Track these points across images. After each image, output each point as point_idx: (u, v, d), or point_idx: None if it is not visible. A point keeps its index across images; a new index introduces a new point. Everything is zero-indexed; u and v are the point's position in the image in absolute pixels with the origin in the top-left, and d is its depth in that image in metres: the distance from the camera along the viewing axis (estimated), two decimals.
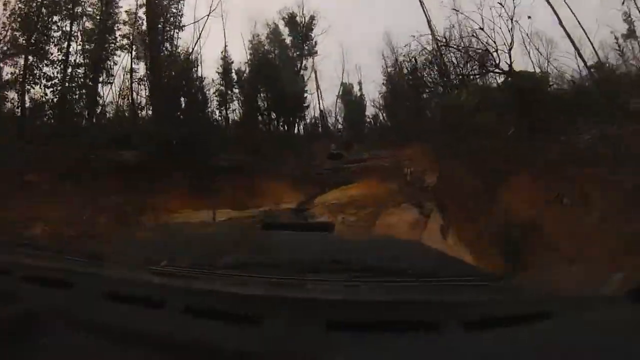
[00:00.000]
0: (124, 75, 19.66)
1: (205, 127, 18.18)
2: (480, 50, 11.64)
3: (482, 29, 11.43)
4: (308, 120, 30.32)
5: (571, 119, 9.41)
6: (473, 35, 11.61)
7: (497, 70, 11.42)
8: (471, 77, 13.93)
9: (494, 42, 11.19)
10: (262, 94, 25.57)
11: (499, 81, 13.49)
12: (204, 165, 15.51)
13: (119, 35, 19.46)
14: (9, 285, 1.09)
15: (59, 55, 17.17)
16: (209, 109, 23.14)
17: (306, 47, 28.50)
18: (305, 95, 28.46)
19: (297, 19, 28.14)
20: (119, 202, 11.94)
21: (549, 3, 13.65)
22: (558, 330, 0.94)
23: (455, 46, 12.89)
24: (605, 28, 16.96)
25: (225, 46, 25.92)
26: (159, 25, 19.82)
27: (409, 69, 19.33)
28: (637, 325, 0.99)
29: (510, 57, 11.07)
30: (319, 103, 31.00)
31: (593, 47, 15.86)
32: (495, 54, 11.23)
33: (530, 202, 8.06)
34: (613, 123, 8.41)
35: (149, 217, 11.72)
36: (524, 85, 10.62)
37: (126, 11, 19.77)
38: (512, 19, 11.35)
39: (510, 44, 10.96)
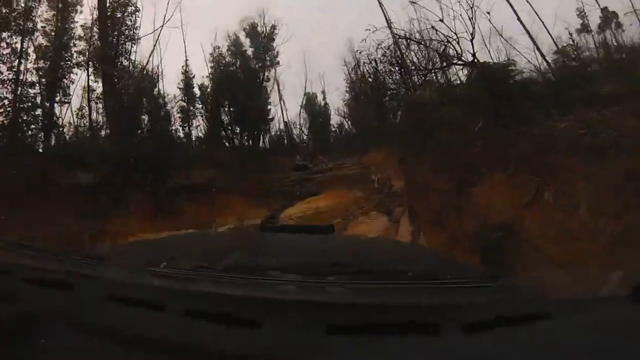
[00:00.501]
0: (82, 94, 18.29)
1: (165, 145, 16.98)
2: (441, 42, 10.63)
3: (442, 20, 10.43)
4: (273, 133, 29.16)
5: (542, 108, 8.44)
6: (433, 28, 10.58)
7: (459, 62, 10.46)
8: (433, 71, 12.95)
9: (455, 33, 10.20)
10: (225, 108, 24.33)
11: (463, 74, 12.55)
12: (164, 184, 14.23)
13: (75, 51, 18.12)
14: (9, 287, 1.04)
15: (8, 74, 15.66)
16: (172, 126, 22.12)
17: (268, 58, 27.71)
18: (269, 107, 27.55)
19: (258, 29, 27.23)
20: (72, 227, 10.90)
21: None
22: (557, 330, 0.91)
23: (415, 39, 11.86)
24: (561, 23, 16.43)
25: (186, 60, 24.94)
26: (113, 39, 18.02)
27: (369, 70, 17.63)
28: (636, 325, 0.95)
29: (473, 47, 10.13)
30: (283, 114, 30.04)
31: (554, 41, 15.21)
32: (456, 46, 10.23)
33: (508, 200, 7.12)
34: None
35: (104, 242, 10.52)
36: (489, 74, 9.65)
37: (81, 26, 18.41)
38: (472, 7, 10.38)
39: (472, 33, 10.03)
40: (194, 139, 24.67)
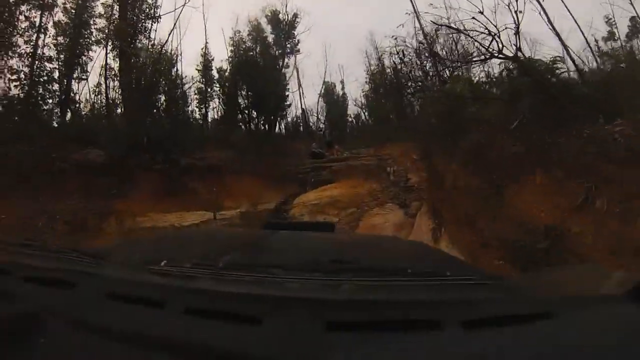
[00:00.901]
0: (99, 72, 17.50)
1: (179, 125, 16.20)
2: (482, 33, 9.61)
3: (482, 12, 9.41)
4: (290, 120, 28.34)
5: (590, 111, 7.50)
6: (473, 18, 9.55)
7: (501, 55, 9.43)
8: (468, 63, 11.96)
9: (495, 26, 9.18)
10: (242, 92, 23.26)
11: (500, 69, 11.57)
12: (176, 165, 13.41)
13: (95, 29, 17.41)
14: (8, 285, 1.01)
15: (26, 48, 14.86)
16: (188, 107, 21.27)
17: (288, 45, 26.71)
18: (287, 93, 26.75)
19: (280, 16, 26.15)
20: (80, 206, 10.32)
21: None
22: (558, 329, 0.88)
23: (456, 28, 10.82)
24: (587, 30, 15.29)
25: (206, 42, 23.98)
26: (133, 17, 17.23)
27: (395, 61, 16.62)
28: (637, 325, 0.93)
29: (518, 39, 9.09)
30: (301, 102, 29.19)
31: (589, 45, 14.01)
32: (497, 38, 9.21)
33: (552, 205, 6.27)
34: None
35: (111, 221, 10.18)
36: (534, 70, 8.67)
37: (102, 3, 17.56)
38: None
39: (517, 26, 8.95)
40: (210, 121, 23.84)
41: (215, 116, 24.34)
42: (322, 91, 29.99)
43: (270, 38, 26.21)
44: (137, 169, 12.58)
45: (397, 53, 13.72)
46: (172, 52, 20.00)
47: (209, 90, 23.74)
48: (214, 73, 23.92)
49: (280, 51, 26.57)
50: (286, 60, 26.94)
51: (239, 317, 0.87)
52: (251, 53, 24.77)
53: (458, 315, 0.91)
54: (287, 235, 2.55)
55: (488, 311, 0.97)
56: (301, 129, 29.89)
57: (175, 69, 20.72)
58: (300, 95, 29.10)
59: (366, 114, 29.39)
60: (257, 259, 1.73)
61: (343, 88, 30.23)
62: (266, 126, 25.63)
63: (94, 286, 1.04)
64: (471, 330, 0.86)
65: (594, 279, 1.38)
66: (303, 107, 29.42)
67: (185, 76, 21.55)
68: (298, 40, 27.01)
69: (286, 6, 26.58)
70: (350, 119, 30.51)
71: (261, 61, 25.01)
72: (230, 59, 24.29)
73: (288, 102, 27.04)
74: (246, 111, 24.07)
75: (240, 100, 23.86)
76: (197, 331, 0.85)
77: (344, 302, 1.02)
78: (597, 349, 0.83)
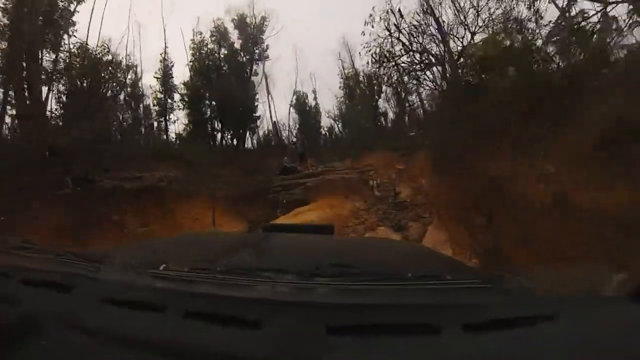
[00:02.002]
0: None
1: (105, 136, 11.47)
2: None
3: None
4: (261, 134, 24.46)
5: None
6: None
7: None
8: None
9: None
10: (206, 101, 19.21)
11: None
12: (90, 185, 9.07)
13: None
14: (7, 289, 0.95)
15: None
16: (124, 114, 17.50)
17: (257, 51, 22.64)
18: (256, 104, 22.57)
19: (247, 20, 22.20)
20: None
21: None
22: (559, 331, 0.83)
23: None
24: None
25: (165, 47, 19.72)
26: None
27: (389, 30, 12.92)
28: (637, 326, 0.88)
29: None
30: (270, 112, 25.52)
31: None
32: None
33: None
34: None
35: None
36: None
37: None
38: None
39: None
40: (173, 135, 19.64)
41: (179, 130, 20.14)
42: (294, 101, 26.15)
43: (237, 44, 22.49)
44: (32, 193, 8.50)
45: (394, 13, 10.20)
46: (118, 54, 15.95)
47: (169, 100, 19.62)
48: (176, 81, 19.91)
49: (247, 57, 22.74)
50: (254, 67, 23.10)
51: (239, 321, 0.80)
52: (215, 56, 20.72)
53: (459, 318, 0.84)
54: (287, 239, 2.33)
55: (489, 314, 0.88)
56: (273, 143, 25.95)
57: (126, 75, 16.65)
58: (270, 106, 25.49)
59: (339, 126, 25.86)
60: (256, 263, 1.61)
61: (315, 98, 26.54)
62: (234, 140, 21.79)
63: (93, 290, 0.96)
64: (472, 334, 0.79)
65: (595, 280, 1.25)
66: (274, 119, 25.67)
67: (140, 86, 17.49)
68: (267, 46, 23.28)
69: (253, 8, 22.80)
70: (323, 132, 26.75)
71: (226, 66, 21.15)
72: (191, 64, 20.20)
73: (258, 114, 23.14)
74: (209, 122, 19.91)
75: (203, 109, 19.73)
76: (197, 335, 0.78)
77: (344, 305, 0.93)
78: (599, 351, 0.77)
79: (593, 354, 0.77)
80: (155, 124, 19.51)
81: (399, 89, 14.78)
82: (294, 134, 26.67)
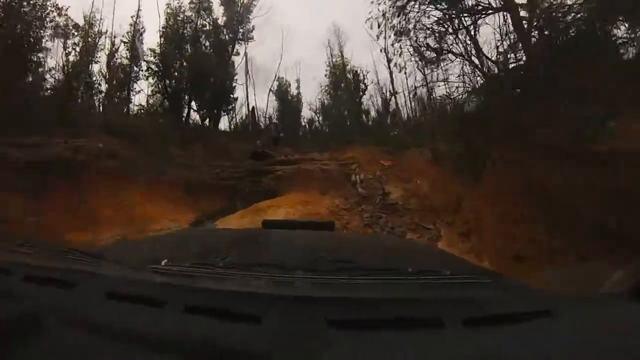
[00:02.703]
0: None
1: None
2: None
3: None
4: (238, 118, 21.52)
5: None
6: None
7: None
8: None
9: None
10: (175, 73, 16.17)
11: None
12: None
13: None
14: (9, 285, 0.91)
15: None
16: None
17: (241, 30, 19.64)
18: (234, 85, 19.57)
19: None
20: None
21: None
22: (558, 328, 0.80)
23: None
24: None
25: (139, 9, 16.57)
26: None
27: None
28: (637, 325, 0.85)
29: None
30: (248, 97, 22.33)
31: None
32: None
33: None
34: None
35: None
36: None
37: None
38: None
39: None
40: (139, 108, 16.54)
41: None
42: (275, 88, 23.30)
43: (222, 20, 19.46)
44: None
45: None
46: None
47: (135, 67, 16.50)
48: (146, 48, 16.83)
49: (231, 35, 19.74)
50: (237, 47, 20.13)
51: (239, 315, 0.77)
52: (191, 25, 17.69)
53: (458, 313, 0.81)
54: (287, 234, 2.17)
55: (488, 309, 0.86)
56: (250, 128, 23.12)
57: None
58: (247, 89, 22.28)
59: (320, 119, 23.27)
60: (256, 258, 1.52)
61: (298, 87, 23.69)
62: (207, 121, 18.79)
63: (94, 285, 0.92)
64: (472, 329, 0.77)
65: (594, 278, 1.23)
66: (253, 104, 22.69)
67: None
68: (253, 27, 20.38)
69: None
70: (303, 123, 24.01)
71: (205, 41, 18.15)
72: (163, 30, 17.10)
73: (235, 96, 20.21)
74: (179, 97, 16.84)
75: (172, 82, 16.67)
76: (197, 329, 0.74)
77: (344, 300, 0.89)
78: (597, 347, 0.75)
79: (591, 349, 0.73)
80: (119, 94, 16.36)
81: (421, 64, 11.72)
82: (274, 122, 23.92)
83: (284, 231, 2.29)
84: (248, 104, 22.51)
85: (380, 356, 0.71)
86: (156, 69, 16.53)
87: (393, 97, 21.73)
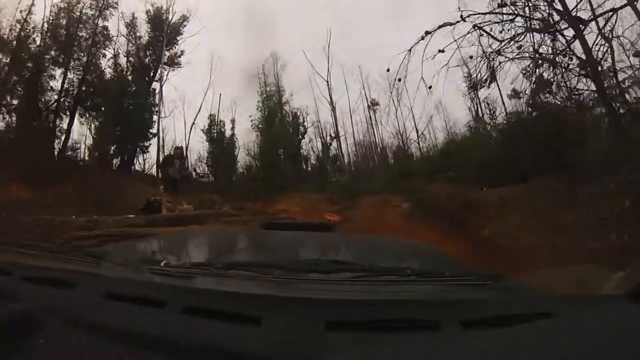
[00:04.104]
0: None
1: None
2: None
3: None
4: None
5: None
6: None
7: None
8: None
9: None
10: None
11: None
12: None
13: None
14: (8, 285, 0.83)
15: None
16: None
17: (166, 53, 15.28)
18: (153, 118, 14.88)
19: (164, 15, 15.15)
20: None
21: None
22: (557, 329, 0.75)
23: None
24: None
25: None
26: None
27: None
28: (637, 325, 0.80)
29: None
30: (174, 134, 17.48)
31: None
32: None
33: None
34: None
35: None
36: None
37: None
38: None
39: None
40: None
41: None
42: (206, 126, 18.74)
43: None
44: None
45: None
46: None
47: None
48: None
49: (154, 57, 15.21)
50: (161, 73, 15.53)
51: (239, 316, 0.72)
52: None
53: (457, 315, 0.76)
54: (286, 235, 2.11)
55: (487, 311, 0.81)
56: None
57: None
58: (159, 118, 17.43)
59: (257, 163, 18.70)
60: (256, 259, 1.42)
61: (233, 128, 19.28)
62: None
63: (94, 286, 0.86)
64: (470, 330, 0.72)
65: (593, 279, 1.22)
66: (182, 144, 17.90)
67: None
68: (181, 52, 16.00)
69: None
70: (241, 170, 19.46)
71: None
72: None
73: (152, 131, 15.37)
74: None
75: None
76: (196, 331, 0.70)
77: (343, 301, 0.84)
78: (597, 349, 0.70)
79: (590, 351, 0.69)
80: None
81: None
82: (206, 165, 19.06)
83: (284, 232, 2.17)
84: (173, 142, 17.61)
85: (379, 358, 0.66)
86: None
87: (335, 141, 18.35)
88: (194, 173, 18.89)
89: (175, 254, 1.35)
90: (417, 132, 18.38)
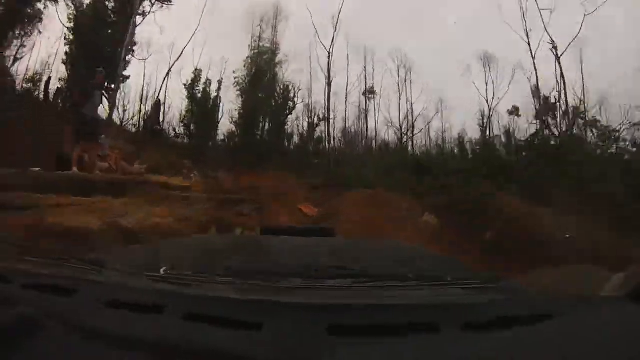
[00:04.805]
0: None
1: None
2: None
3: None
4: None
5: None
6: None
7: None
8: None
9: None
10: None
11: None
12: None
13: None
14: (8, 292, 0.79)
15: None
16: None
17: None
18: (128, 57, 12.37)
19: None
20: None
21: None
22: (558, 331, 0.71)
23: None
24: None
25: None
26: None
27: None
28: (638, 327, 0.76)
29: None
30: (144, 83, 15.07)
31: None
32: None
33: None
34: None
35: None
36: None
37: None
38: None
39: None
40: None
41: None
42: (189, 81, 16.27)
43: None
44: None
45: None
46: None
47: None
48: None
49: None
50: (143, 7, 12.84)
51: (239, 322, 0.68)
52: None
53: (458, 318, 0.72)
54: (287, 241, 1.95)
55: (489, 314, 0.75)
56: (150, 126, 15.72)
57: None
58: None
59: (237, 131, 16.49)
60: (256, 265, 1.35)
61: (219, 90, 16.87)
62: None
63: (94, 293, 0.81)
64: (472, 334, 0.69)
65: (594, 280, 1.13)
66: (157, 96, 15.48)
67: None
68: None
69: None
70: (222, 137, 17.26)
71: None
72: None
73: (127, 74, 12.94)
74: None
75: None
76: (197, 337, 0.66)
77: (344, 306, 0.80)
78: (598, 351, 0.67)
79: (592, 353, 0.66)
80: None
81: None
82: (182, 124, 16.62)
83: (284, 237, 2.07)
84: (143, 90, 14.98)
85: None
86: None
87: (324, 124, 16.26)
88: (171, 130, 16.60)
89: (175, 260, 1.24)
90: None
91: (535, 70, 15.17)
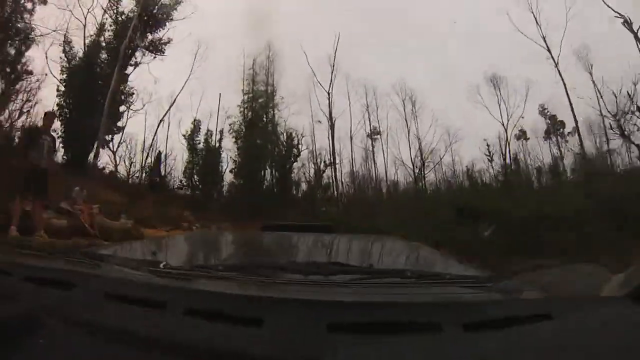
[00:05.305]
0: None
1: None
2: None
3: None
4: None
5: None
6: None
7: None
8: None
9: None
10: None
11: None
12: None
13: None
14: (9, 286, 0.78)
15: None
16: None
17: (149, 36, 12.25)
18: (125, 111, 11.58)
19: None
20: None
21: None
22: (558, 331, 0.69)
23: None
24: None
25: None
26: None
27: None
28: (637, 326, 0.73)
29: None
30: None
31: None
32: None
33: None
34: None
35: None
36: None
37: None
38: None
39: None
40: None
41: None
42: (188, 131, 15.44)
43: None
44: None
45: None
46: None
47: None
48: None
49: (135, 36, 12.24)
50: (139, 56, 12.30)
51: (240, 318, 0.66)
52: None
53: (458, 317, 0.70)
54: (286, 237, 1.97)
55: (488, 313, 0.75)
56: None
57: None
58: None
59: (240, 181, 15.64)
60: (256, 261, 1.32)
61: (221, 140, 16.00)
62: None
63: (94, 287, 0.80)
64: (471, 332, 0.67)
65: (593, 280, 1.09)
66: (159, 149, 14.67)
67: None
68: (168, 39, 12.85)
69: None
70: (225, 186, 16.32)
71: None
72: None
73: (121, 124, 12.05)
74: None
75: None
76: (197, 332, 0.65)
77: (344, 303, 0.77)
78: (597, 350, 0.65)
79: (592, 353, 0.64)
80: None
81: None
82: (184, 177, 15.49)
83: (284, 233, 2.09)
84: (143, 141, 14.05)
85: None
86: None
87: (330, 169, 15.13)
88: (173, 181, 15.47)
89: (175, 255, 1.27)
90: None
91: (561, 76, 13.58)
